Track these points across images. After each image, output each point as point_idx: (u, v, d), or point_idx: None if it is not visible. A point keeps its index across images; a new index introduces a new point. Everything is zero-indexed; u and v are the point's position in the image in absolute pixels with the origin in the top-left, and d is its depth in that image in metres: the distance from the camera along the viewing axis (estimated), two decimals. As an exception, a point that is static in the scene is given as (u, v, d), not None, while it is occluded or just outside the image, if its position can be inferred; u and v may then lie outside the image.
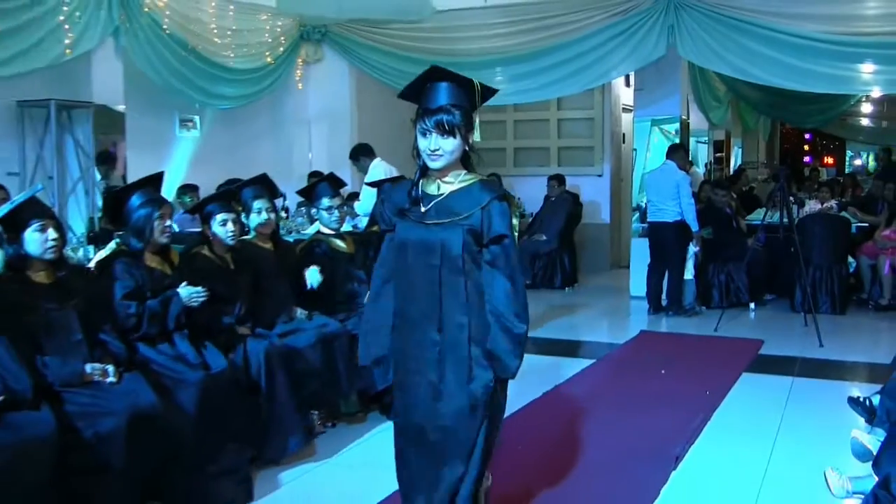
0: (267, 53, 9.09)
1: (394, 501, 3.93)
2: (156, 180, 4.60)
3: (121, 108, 7.46)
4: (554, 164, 12.22)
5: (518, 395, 5.57)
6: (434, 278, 2.98)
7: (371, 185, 6.78)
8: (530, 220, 11.30)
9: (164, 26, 7.67)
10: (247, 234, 5.09)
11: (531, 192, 11.65)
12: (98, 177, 7.23)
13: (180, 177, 8.20)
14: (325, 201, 5.40)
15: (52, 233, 3.78)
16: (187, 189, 7.97)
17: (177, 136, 8.57)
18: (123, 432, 3.56)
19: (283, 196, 7.21)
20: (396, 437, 3.16)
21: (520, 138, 12.63)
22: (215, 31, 8.38)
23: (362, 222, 6.74)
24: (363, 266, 5.40)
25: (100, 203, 6.94)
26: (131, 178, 6.74)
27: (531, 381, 6.00)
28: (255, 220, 5.08)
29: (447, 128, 2.87)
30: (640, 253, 9.43)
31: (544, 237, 10.66)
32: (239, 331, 4.62)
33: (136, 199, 4.33)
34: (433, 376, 3.00)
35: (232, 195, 5.13)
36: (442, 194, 3.00)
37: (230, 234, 4.67)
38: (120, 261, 4.25)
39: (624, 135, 12.30)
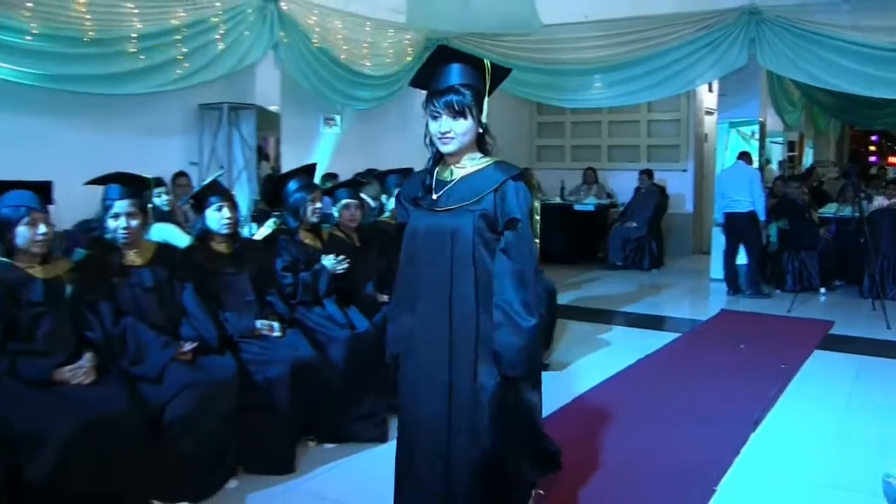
0: (397, 62, 9.23)
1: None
2: (309, 169, 4.79)
3: (277, 108, 7.71)
4: (643, 160, 12.03)
5: (609, 364, 5.64)
6: (444, 269, 2.51)
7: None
8: (622, 209, 11.24)
9: (314, 41, 7.90)
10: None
11: (622, 183, 11.63)
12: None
13: (323, 167, 8.40)
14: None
15: (226, 212, 3.99)
16: (329, 177, 8.17)
17: (321, 132, 8.80)
18: (287, 378, 3.74)
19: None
20: (400, 430, 2.73)
21: (613, 136, 12.46)
22: (355, 44, 8.56)
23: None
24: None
25: (259, 188, 7.22)
26: (284, 168, 7.02)
27: (621, 350, 6.03)
28: (391, 203, 5.25)
29: (458, 108, 2.45)
30: (719, 240, 9.26)
31: (634, 224, 10.56)
32: (379, 298, 4.72)
33: (292, 185, 4.50)
34: (441, 372, 2.53)
35: (357, 182, 5.30)
36: (454, 179, 2.55)
37: (353, 216, 4.77)
38: (281, 238, 4.46)
39: (706, 135, 12.01)
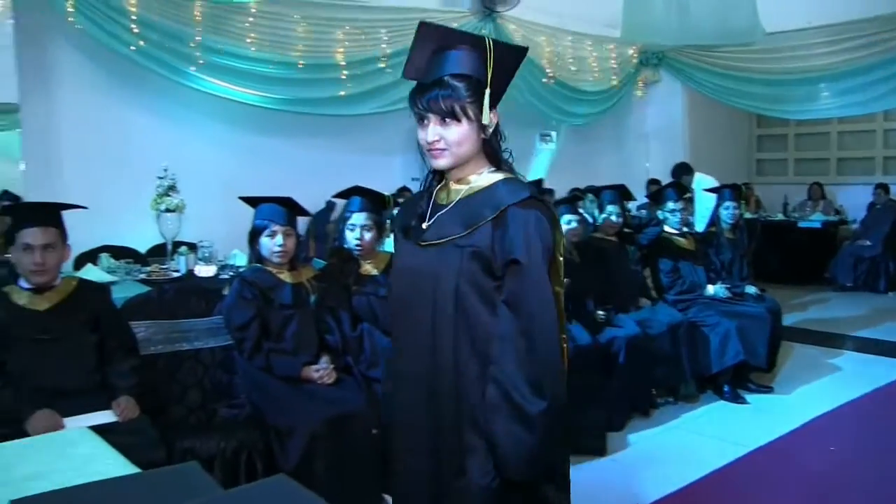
0: (612, 77, 9.20)
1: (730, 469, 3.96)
2: (536, 185, 4.91)
3: (495, 126, 7.90)
4: (878, 173, 11.13)
5: (838, 392, 5.29)
6: (425, 325, 1.86)
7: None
8: (852, 226, 10.47)
9: (531, 59, 8.06)
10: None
11: (853, 199, 10.74)
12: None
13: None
14: (671, 204, 5.46)
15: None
16: (545, 193, 8.30)
17: (537, 148, 8.94)
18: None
19: (634, 199, 7.26)
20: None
21: (843, 148, 11.63)
22: (570, 60, 8.65)
23: (700, 225, 6.64)
24: (703, 262, 5.43)
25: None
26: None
27: (852, 378, 5.63)
28: (601, 217, 5.31)
29: (445, 109, 1.79)
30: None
31: (868, 242, 9.81)
32: (598, 317, 4.74)
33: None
34: (423, 464, 1.91)
35: (576, 198, 5.46)
36: (451, 203, 1.90)
37: (574, 232, 4.81)
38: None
39: (954, 145, 10.98)
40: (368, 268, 3.88)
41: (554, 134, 9.01)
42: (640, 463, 4.13)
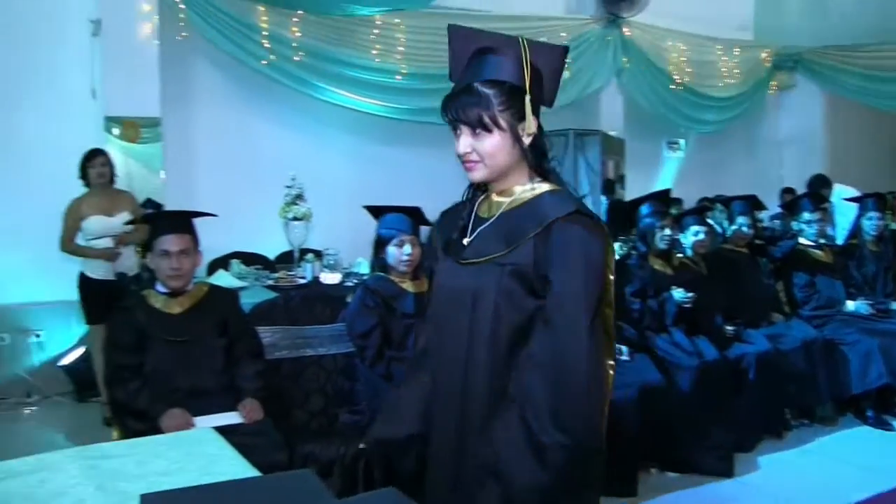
0: (743, 82, 8.89)
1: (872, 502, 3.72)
2: (663, 195, 4.80)
3: (620, 134, 7.79)
4: None
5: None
6: (460, 347, 1.74)
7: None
8: None
9: (657, 65, 7.90)
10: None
11: None
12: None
13: (666, 191, 8.40)
14: (806, 215, 5.20)
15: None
16: (672, 202, 8.08)
17: (664, 156, 8.74)
18: (634, 401, 3.73)
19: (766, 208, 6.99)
20: None
21: None
22: (699, 65, 8.41)
23: (840, 237, 6.31)
24: (841, 276, 5.15)
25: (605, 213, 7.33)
26: (629, 194, 7.07)
27: None
28: (731, 228, 5.14)
29: (474, 119, 1.67)
30: None
31: None
32: (727, 332, 4.57)
33: (644, 209, 4.54)
34: (448, 482, 1.78)
35: (704, 209, 5.22)
36: (493, 217, 1.77)
37: (702, 244, 4.68)
38: (631, 263, 4.51)
39: None
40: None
41: (682, 142, 8.81)
42: (770, 488, 3.92)
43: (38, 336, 5.59)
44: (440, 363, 1.82)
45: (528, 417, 1.60)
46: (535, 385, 1.62)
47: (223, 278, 4.76)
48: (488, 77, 1.67)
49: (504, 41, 1.71)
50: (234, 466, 1.72)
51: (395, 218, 3.61)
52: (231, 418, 2.90)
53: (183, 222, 3.15)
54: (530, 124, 1.68)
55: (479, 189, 1.84)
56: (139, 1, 5.55)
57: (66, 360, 5.58)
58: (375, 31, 6.29)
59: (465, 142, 1.69)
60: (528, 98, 1.66)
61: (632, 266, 4.47)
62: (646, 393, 3.79)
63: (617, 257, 4.86)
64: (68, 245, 4.76)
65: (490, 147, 1.68)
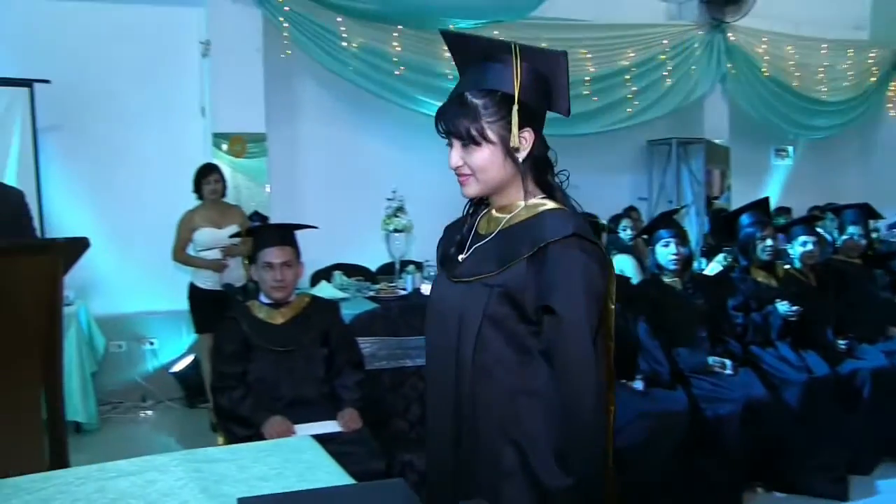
0: (857, 85, 8.50)
1: None
2: (763, 204, 4.63)
3: (725, 142, 7.59)
4: None
5: None
6: (448, 371, 1.63)
7: None
8: None
9: (764, 70, 7.66)
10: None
11: None
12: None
13: (775, 200, 8.06)
14: (929, 224, 4.95)
15: (673, 247, 4.02)
16: (782, 211, 7.82)
17: (772, 164, 8.46)
18: (738, 417, 3.62)
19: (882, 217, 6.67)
20: None
21: None
22: (808, 69, 8.10)
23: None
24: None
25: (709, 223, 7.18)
26: (734, 203, 6.87)
27: None
28: (842, 238, 4.92)
29: (463, 131, 1.58)
30: None
31: None
32: (838, 346, 4.37)
33: (745, 219, 4.41)
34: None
35: (814, 218, 5.06)
36: (490, 233, 1.67)
37: (811, 255, 4.49)
38: (734, 275, 4.38)
39: None
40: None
41: (790, 149, 8.49)
42: (889, 513, 3.73)
43: (151, 344, 5.86)
44: (430, 386, 1.75)
45: (528, 455, 1.50)
46: (534, 420, 1.52)
47: (325, 290, 4.87)
48: (479, 86, 1.58)
49: (496, 47, 1.60)
50: (330, 474, 1.75)
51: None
52: (330, 426, 2.96)
53: (285, 235, 3.24)
54: (515, 137, 1.56)
55: (481, 203, 1.74)
56: (246, 22, 5.75)
57: (177, 367, 5.82)
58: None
59: (456, 155, 1.62)
60: (515, 108, 1.55)
61: (734, 278, 4.33)
62: (751, 408, 3.67)
63: (720, 269, 4.74)
64: (180, 255, 4.97)
65: (480, 161, 1.59)
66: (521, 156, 1.60)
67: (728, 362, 3.90)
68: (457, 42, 1.66)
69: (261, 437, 2.81)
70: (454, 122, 1.58)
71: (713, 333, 4.03)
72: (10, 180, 4.79)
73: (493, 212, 1.68)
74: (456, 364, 1.60)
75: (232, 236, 4.64)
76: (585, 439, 1.50)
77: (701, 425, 3.62)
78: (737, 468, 3.68)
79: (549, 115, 1.68)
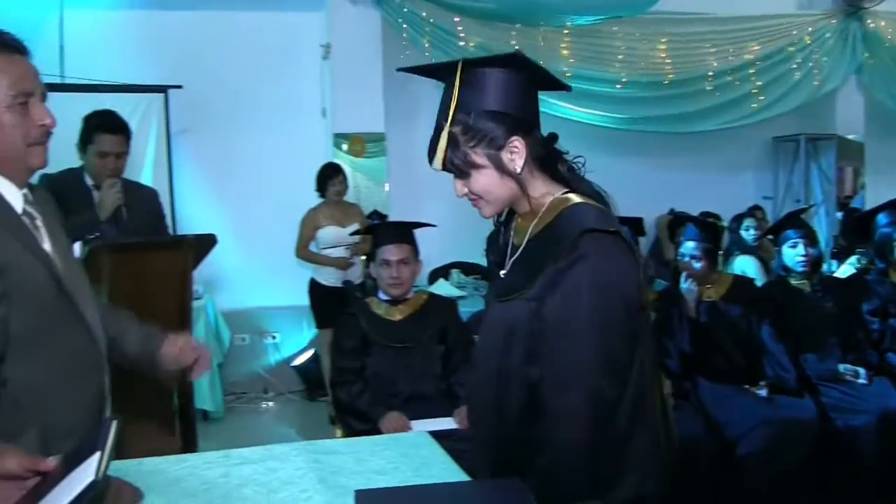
0: None
1: None
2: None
3: (860, 137, 7.22)
4: None
5: None
6: (489, 393, 1.56)
7: None
8: None
9: None
10: None
11: None
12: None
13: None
14: None
15: (801, 248, 3.86)
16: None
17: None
18: (873, 429, 3.45)
19: None
20: None
21: None
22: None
23: None
24: None
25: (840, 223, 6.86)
26: (869, 203, 6.52)
27: None
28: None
29: (450, 166, 1.54)
30: None
31: None
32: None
33: (881, 219, 4.16)
34: None
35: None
36: (521, 244, 1.58)
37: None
38: (871, 278, 4.15)
39: None
40: (709, 292, 3.73)
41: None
42: None
43: (274, 338, 6.08)
44: (472, 412, 1.72)
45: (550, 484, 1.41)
46: (561, 445, 1.42)
47: (443, 287, 4.92)
48: (446, 115, 1.51)
49: (443, 70, 1.55)
50: (445, 470, 1.77)
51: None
52: (446, 423, 2.98)
53: (403, 233, 3.29)
54: (439, 161, 1.53)
55: (511, 212, 1.65)
56: (365, 24, 5.88)
57: (298, 361, 6.01)
58: (595, 40, 6.27)
59: (458, 186, 1.57)
60: (447, 128, 1.51)
61: (870, 282, 4.10)
62: (887, 420, 3.47)
63: (852, 272, 4.50)
64: (303, 252, 5.13)
65: (479, 187, 1.54)
66: (518, 165, 1.52)
67: (861, 370, 3.70)
68: (421, 73, 1.69)
69: (378, 432, 2.86)
70: (436, 157, 1.55)
71: (845, 339, 3.84)
72: (146, 181, 5.07)
73: (520, 221, 1.62)
74: (496, 389, 1.53)
75: (352, 234, 4.75)
76: (615, 455, 1.42)
77: (831, 436, 3.46)
78: (870, 484, 3.50)
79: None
